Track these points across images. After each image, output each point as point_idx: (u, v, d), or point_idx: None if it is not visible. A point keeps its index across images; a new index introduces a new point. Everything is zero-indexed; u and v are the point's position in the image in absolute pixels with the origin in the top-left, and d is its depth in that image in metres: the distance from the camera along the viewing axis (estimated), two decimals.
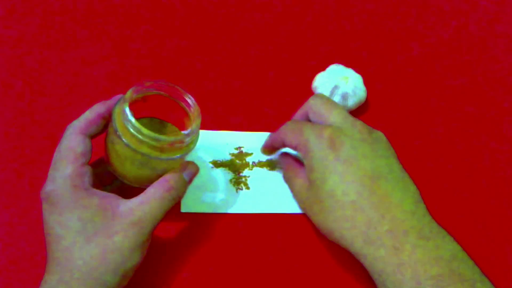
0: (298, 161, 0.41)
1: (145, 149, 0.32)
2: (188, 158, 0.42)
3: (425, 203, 0.42)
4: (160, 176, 0.34)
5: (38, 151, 0.42)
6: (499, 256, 0.41)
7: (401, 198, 0.34)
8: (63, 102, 0.45)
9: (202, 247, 0.39)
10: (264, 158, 0.43)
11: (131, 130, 0.31)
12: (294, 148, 0.38)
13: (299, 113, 0.40)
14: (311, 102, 0.39)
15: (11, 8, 0.49)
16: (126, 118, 0.31)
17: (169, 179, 0.34)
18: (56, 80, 0.46)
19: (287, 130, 0.38)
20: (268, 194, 0.42)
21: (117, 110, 0.32)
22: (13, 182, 0.41)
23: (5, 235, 0.39)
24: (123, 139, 0.31)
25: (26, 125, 0.43)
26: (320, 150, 0.35)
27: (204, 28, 0.50)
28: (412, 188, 0.35)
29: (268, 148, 0.42)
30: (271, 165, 0.43)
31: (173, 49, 0.48)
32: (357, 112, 0.46)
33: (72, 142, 0.34)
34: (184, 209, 0.40)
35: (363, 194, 0.33)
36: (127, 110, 0.31)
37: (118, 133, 0.32)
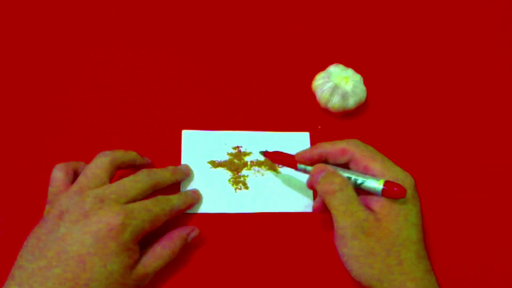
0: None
1: None
2: (186, 158, 0.43)
3: (424, 203, 0.42)
4: None
5: (39, 151, 0.42)
6: (500, 256, 0.41)
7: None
8: (63, 102, 0.45)
9: (201, 247, 0.39)
10: (263, 157, 0.43)
11: None
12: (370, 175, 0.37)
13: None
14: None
15: (11, 8, 0.50)
16: None
17: (177, 243, 0.37)
18: (56, 80, 0.46)
19: (371, 157, 0.37)
20: (267, 193, 0.42)
21: None
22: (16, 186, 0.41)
23: (5, 235, 0.39)
24: None
25: (27, 125, 0.44)
26: (410, 198, 0.36)
27: (203, 27, 0.50)
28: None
29: (308, 159, 0.39)
30: (270, 165, 0.43)
31: (173, 49, 0.49)
32: (357, 112, 0.46)
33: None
34: None
35: (422, 249, 0.36)
36: None
37: None
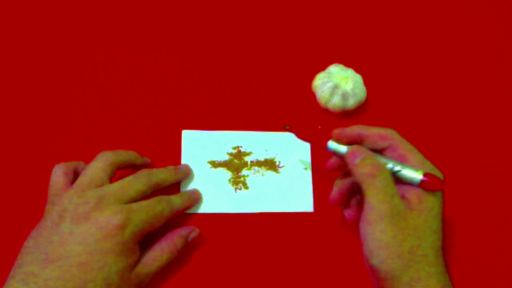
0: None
1: None
2: (186, 158, 0.43)
3: None
4: None
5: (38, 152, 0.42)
6: (499, 256, 0.41)
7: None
8: (63, 102, 0.45)
9: (201, 247, 0.39)
10: (263, 157, 0.43)
11: None
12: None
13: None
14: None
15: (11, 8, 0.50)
16: None
17: (177, 243, 0.37)
18: (57, 80, 0.46)
19: (409, 148, 0.37)
20: (267, 193, 0.42)
21: None
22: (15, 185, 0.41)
23: (5, 235, 0.39)
24: None
25: (27, 125, 0.44)
26: (440, 196, 0.36)
27: (203, 27, 0.50)
28: None
29: (345, 137, 0.37)
30: (270, 165, 0.43)
31: (173, 49, 0.49)
32: (357, 112, 0.46)
33: None
34: None
35: (440, 242, 0.35)
36: None
37: None
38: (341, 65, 0.46)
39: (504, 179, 0.44)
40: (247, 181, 0.42)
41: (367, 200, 0.34)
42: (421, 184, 0.35)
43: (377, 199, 0.34)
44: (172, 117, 0.45)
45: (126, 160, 0.39)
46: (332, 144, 0.37)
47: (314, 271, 0.39)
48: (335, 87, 0.44)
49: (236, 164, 0.43)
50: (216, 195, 0.41)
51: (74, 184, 0.36)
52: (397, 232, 0.33)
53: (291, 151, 0.40)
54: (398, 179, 0.36)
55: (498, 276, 0.40)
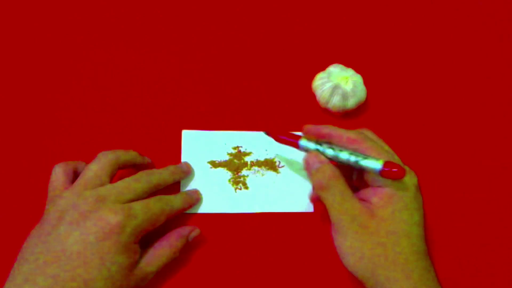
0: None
1: None
2: (186, 158, 0.43)
3: (425, 202, 0.42)
4: None
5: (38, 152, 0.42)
6: (499, 257, 0.41)
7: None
8: (63, 102, 0.45)
9: (201, 247, 0.40)
10: (263, 157, 0.43)
11: None
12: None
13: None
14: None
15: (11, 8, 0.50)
16: None
17: (178, 242, 0.37)
18: (57, 80, 0.46)
19: (367, 140, 0.37)
20: (267, 193, 0.42)
21: None
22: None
23: (5, 235, 0.39)
24: None
25: (27, 125, 0.44)
26: (410, 190, 0.36)
27: (203, 27, 0.50)
28: None
29: (313, 134, 0.38)
30: (270, 165, 0.43)
31: (173, 49, 0.49)
32: (357, 112, 0.46)
33: None
34: None
35: (422, 245, 0.36)
36: None
37: None
38: (341, 65, 0.46)
39: (504, 179, 0.44)
40: (247, 181, 0.42)
41: (328, 210, 0.35)
42: (381, 174, 0.34)
43: (333, 209, 0.35)
44: (172, 117, 0.45)
45: (127, 160, 0.39)
46: (303, 142, 0.38)
47: (314, 271, 0.39)
48: (335, 87, 0.44)
49: (236, 164, 0.43)
50: (216, 195, 0.41)
51: (74, 184, 0.36)
52: (359, 239, 0.34)
53: (291, 151, 0.40)
54: (363, 184, 0.36)
55: (491, 277, 0.41)
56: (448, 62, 0.50)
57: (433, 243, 0.41)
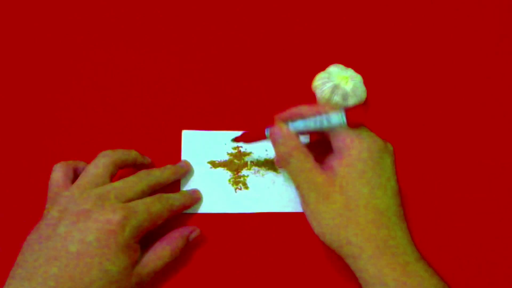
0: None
1: None
2: (186, 158, 0.43)
3: (424, 203, 0.42)
4: None
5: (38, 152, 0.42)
6: (499, 257, 0.41)
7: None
8: (63, 102, 0.45)
9: (201, 247, 0.40)
10: (263, 157, 0.43)
11: None
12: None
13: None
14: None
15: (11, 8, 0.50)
16: None
17: (178, 243, 0.37)
18: (57, 80, 0.46)
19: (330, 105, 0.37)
20: (267, 193, 0.42)
21: None
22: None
23: (5, 235, 0.39)
24: None
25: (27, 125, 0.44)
26: (371, 155, 0.35)
27: (203, 27, 0.50)
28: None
29: (286, 118, 0.38)
30: (270, 165, 0.43)
31: (173, 49, 0.49)
32: None
33: None
34: None
35: (390, 210, 0.35)
36: None
37: None
38: (341, 65, 0.46)
39: (504, 179, 0.44)
40: (247, 181, 0.42)
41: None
42: (347, 120, 0.34)
43: (295, 180, 0.36)
44: (172, 117, 0.45)
45: (127, 160, 0.39)
46: (268, 130, 0.39)
47: (314, 271, 0.39)
48: (335, 87, 0.44)
49: (236, 164, 0.43)
50: (216, 195, 0.41)
51: (75, 184, 0.36)
52: (323, 209, 0.35)
53: None
54: (331, 148, 0.36)
55: (491, 277, 0.41)
56: (448, 62, 0.50)
57: (433, 243, 0.41)
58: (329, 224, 0.35)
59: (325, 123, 0.36)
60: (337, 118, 0.35)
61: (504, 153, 0.46)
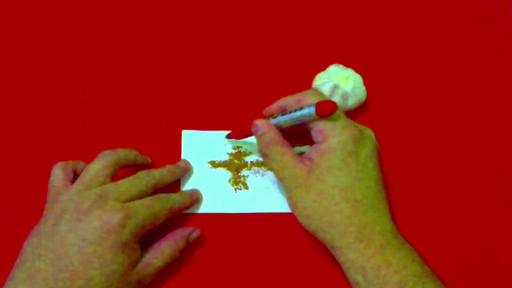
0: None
1: None
2: (186, 158, 0.43)
3: (424, 203, 0.42)
4: None
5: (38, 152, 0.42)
6: (499, 257, 0.41)
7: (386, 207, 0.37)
8: (63, 102, 0.45)
9: (201, 247, 0.40)
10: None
11: None
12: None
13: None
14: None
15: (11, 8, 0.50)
16: None
17: (179, 243, 0.37)
18: (57, 80, 0.46)
19: (308, 93, 0.37)
20: (267, 193, 0.42)
21: None
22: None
23: (5, 235, 0.39)
24: None
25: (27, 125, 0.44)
26: (346, 144, 0.35)
27: (203, 27, 0.50)
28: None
29: (273, 112, 0.39)
30: None
31: (172, 49, 0.49)
32: (357, 112, 0.46)
33: None
34: None
35: (367, 197, 0.35)
36: None
37: None
38: (341, 65, 0.46)
39: (504, 179, 0.45)
40: (247, 181, 0.42)
41: None
42: (316, 111, 0.35)
43: (275, 171, 0.38)
44: (172, 117, 0.45)
45: (127, 159, 0.39)
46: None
47: (314, 271, 0.39)
48: (335, 87, 0.44)
49: (236, 164, 0.43)
50: (216, 195, 0.41)
51: (75, 183, 0.36)
52: (303, 197, 0.36)
53: None
54: (307, 137, 0.37)
55: (491, 277, 0.41)
56: (448, 62, 0.50)
57: (433, 243, 0.41)
58: (310, 215, 0.36)
59: (299, 115, 0.36)
60: (307, 109, 0.35)
61: (505, 153, 0.46)
